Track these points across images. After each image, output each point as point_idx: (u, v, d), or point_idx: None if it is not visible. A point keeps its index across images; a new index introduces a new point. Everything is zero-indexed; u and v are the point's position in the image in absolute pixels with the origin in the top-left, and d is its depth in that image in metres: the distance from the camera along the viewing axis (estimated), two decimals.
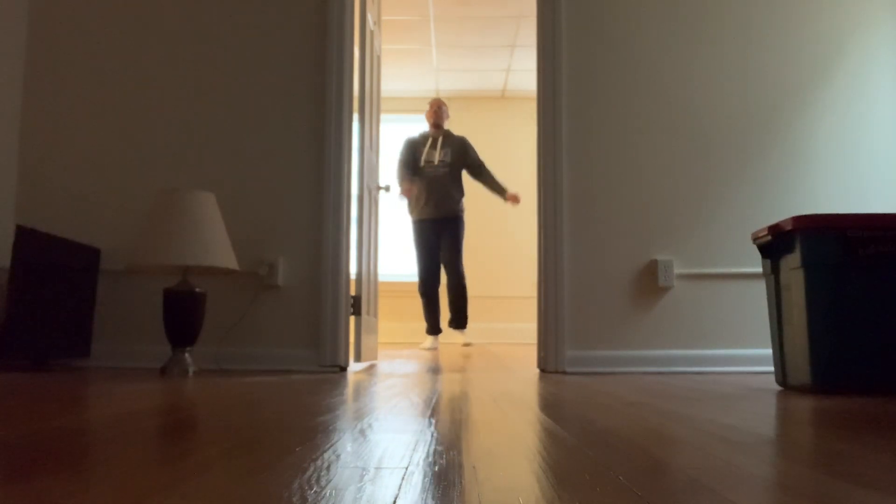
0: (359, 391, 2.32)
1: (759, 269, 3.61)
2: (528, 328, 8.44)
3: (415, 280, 8.15)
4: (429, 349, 5.93)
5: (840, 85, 3.73)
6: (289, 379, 2.88)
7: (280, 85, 3.68)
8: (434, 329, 6.08)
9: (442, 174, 5.98)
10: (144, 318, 3.59)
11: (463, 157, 6.08)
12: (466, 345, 6.24)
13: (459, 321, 6.04)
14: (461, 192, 6.07)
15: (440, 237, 6.01)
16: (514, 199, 6.04)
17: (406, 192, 5.96)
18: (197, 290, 3.15)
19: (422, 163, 6.01)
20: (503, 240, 8.56)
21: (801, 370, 2.46)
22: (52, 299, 3.22)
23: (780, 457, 1.16)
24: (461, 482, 0.96)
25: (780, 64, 3.74)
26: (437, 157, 6.02)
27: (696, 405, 1.95)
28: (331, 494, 0.88)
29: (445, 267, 6.02)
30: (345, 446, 1.24)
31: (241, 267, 3.59)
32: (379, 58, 4.41)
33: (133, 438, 1.29)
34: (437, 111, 6.12)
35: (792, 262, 2.50)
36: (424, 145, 6.08)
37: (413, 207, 6.07)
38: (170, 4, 3.74)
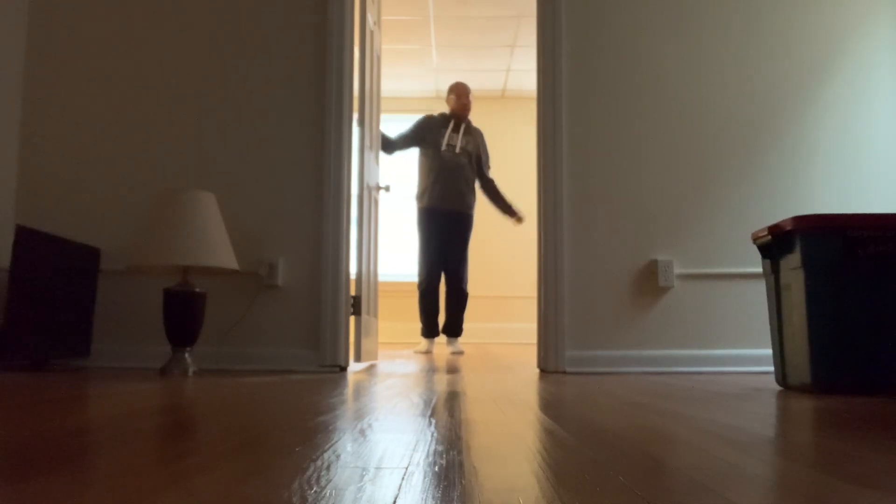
0: (359, 391, 2.32)
1: (759, 269, 3.61)
2: (528, 328, 8.44)
3: (415, 280, 8.07)
4: (424, 352, 5.44)
5: (840, 85, 3.73)
6: (289, 379, 2.88)
7: (280, 85, 3.68)
8: (431, 331, 5.54)
9: (463, 163, 5.49)
10: (144, 318, 3.59)
11: (479, 155, 5.64)
12: (456, 353, 5.41)
13: (454, 329, 5.57)
14: (475, 188, 5.59)
15: (450, 234, 5.49)
16: (520, 221, 5.69)
17: None
18: (197, 290, 3.15)
19: (443, 146, 5.44)
20: (503, 239, 8.56)
21: (801, 370, 2.46)
22: (51, 299, 3.22)
23: (780, 457, 1.16)
24: (461, 482, 0.96)
25: (780, 64, 3.74)
26: (458, 143, 5.48)
27: (697, 405, 1.95)
28: (331, 494, 0.88)
29: (448, 271, 5.52)
30: (345, 446, 1.24)
31: (241, 267, 3.59)
32: (379, 58, 4.41)
33: (133, 438, 1.29)
34: (467, 100, 5.58)
35: (792, 262, 2.50)
36: (446, 128, 5.52)
37: (423, 194, 5.51)
38: (169, 4, 3.74)
